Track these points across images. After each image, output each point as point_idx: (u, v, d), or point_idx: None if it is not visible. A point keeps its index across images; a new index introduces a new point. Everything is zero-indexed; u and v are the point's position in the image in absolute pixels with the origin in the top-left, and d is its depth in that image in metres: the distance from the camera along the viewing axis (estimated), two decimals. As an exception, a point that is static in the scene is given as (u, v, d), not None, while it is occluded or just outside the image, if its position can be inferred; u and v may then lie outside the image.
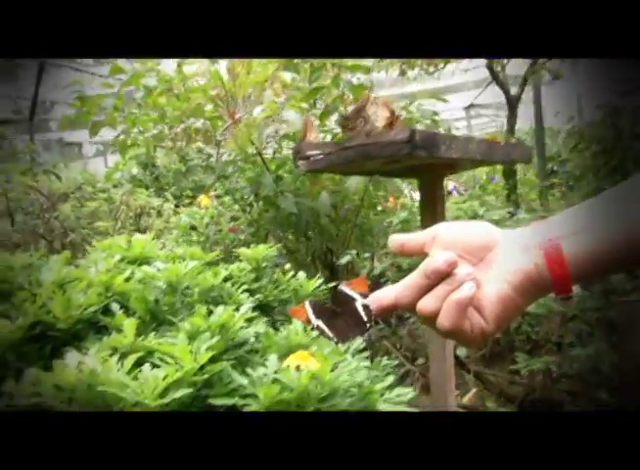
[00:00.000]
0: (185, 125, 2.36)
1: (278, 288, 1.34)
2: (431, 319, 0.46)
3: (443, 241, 0.49)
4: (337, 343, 0.57)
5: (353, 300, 0.55)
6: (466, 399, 1.88)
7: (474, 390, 1.92)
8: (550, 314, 1.93)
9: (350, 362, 0.89)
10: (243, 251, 1.39)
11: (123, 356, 0.84)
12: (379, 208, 2.81)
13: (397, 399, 0.95)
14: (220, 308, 0.95)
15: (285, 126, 2.42)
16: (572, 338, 1.91)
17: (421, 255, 0.51)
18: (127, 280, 1.09)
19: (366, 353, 1.04)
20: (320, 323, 0.56)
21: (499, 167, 3.30)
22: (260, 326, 1.05)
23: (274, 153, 2.42)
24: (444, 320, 0.45)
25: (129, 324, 0.90)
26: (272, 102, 1.85)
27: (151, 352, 0.89)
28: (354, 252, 2.04)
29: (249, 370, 0.86)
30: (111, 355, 0.84)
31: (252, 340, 0.97)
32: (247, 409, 0.79)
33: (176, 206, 3.58)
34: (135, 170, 3.87)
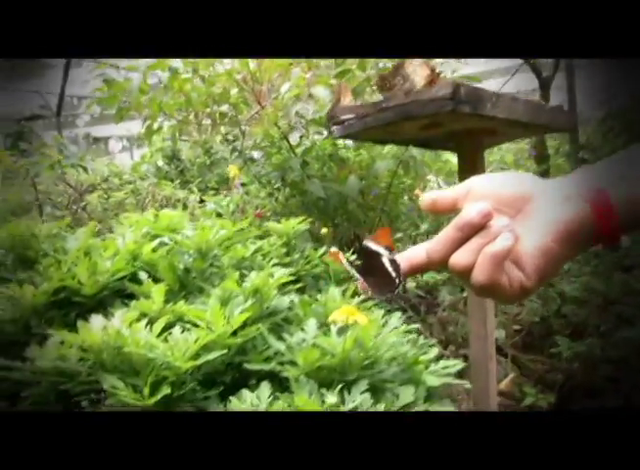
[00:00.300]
0: (210, 110, 2.30)
1: (310, 263, 1.27)
2: (465, 274, 0.41)
3: (478, 194, 0.44)
4: (372, 296, 0.51)
5: (379, 255, 0.50)
6: (502, 385, 1.78)
7: (511, 375, 1.82)
8: (591, 297, 1.82)
9: (397, 327, 0.81)
10: (273, 225, 1.32)
11: (151, 322, 0.78)
12: (405, 197, 2.73)
13: (444, 371, 0.87)
14: (253, 274, 0.88)
15: (312, 106, 2.35)
16: (614, 321, 1.81)
17: (455, 211, 0.46)
18: (155, 250, 1.03)
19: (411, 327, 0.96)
20: (354, 272, 0.51)
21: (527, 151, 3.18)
22: (294, 296, 0.98)
23: (301, 137, 2.35)
24: (479, 274, 0.40)
25: (158, 289, 0.84)
26: (300, 77, 1.78)
27: (181, 318, 0.82)
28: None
29: (285, 336, 0.79)
30: (138, 320, 0.78)
31: (287, 306, 0.90)
32: (285, 375, 0.72)
33: (201, 198, 3.54)
34: (161, 163, 3.84)
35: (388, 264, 0.49)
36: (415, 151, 2.23)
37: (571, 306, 1.83)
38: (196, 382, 0.70)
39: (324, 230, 0.88)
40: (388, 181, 2.43)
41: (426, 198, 0.47)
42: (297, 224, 1.31)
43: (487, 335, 1.29)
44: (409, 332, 0.93)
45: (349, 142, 2.53)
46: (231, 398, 0.67)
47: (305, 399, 0.65)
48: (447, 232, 0.42)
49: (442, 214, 0.50)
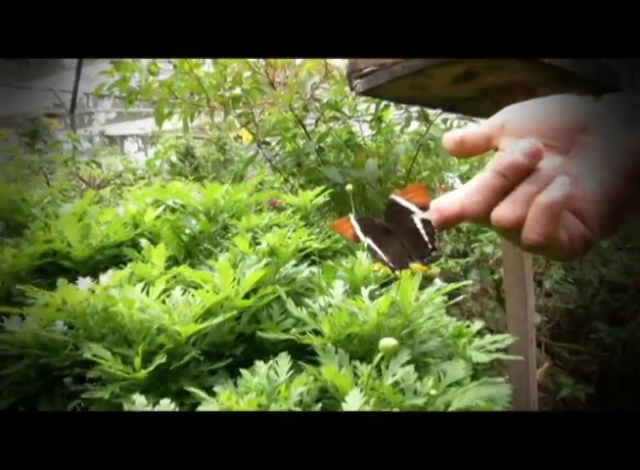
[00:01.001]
0: (222, 96, 2.18)
1: (330, 237, 1.13)
2: (513, 232, 0.32)
3: (517, 127, 0.34)
4: (393, 269, 0.39)
5: (410, 213, 0.39)
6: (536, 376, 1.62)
7: (546, 364, 1.67)
8: (630, 281, 1.66)
9: (440, 287, 0.67)
10: (289, 198, 1.18)
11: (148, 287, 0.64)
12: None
13: (492, 346, 0.73)
14: (269, 235, 0.75)
15: (327, 93, 2.23)
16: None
17: (487, 151, 0.37)
18: (160, 217, 0.89)
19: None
20: (370, 241, 0.40)
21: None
22: (315, 268, 0.84)
23: (316, 121, 2.22)
24: (533, 231, 0.31)
25: (158, 252, 0.71)
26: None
27: (184, 283, 0.69)
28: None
29: (308, 302, 0.65)
30: (133, 284, 0.64)
31: (307, 276, 0.76)
32: (308, 346, 0.58)
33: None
34: (174, 159, 3.74)
35: (419, 225, 0.38)
36: (436, 132, 2.09)
37: (608, 292, 1.67)
38: (199, 352, 0.56)
39: (349, 187, 0.75)
40: (407, 168, 2.30)
41: (450, 137, 0.36)
42: (314, 196, 1.18)
43: (527, 317, 1.14)
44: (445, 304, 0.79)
45: (367, 131, 2.40)
46: (242, 370, 0.53)
47: (335, 372, 0.51)
48: (487, 179, 0.32)
49: (471, 156, 0.38)
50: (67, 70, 3.83)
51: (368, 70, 0.96)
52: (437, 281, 0.68)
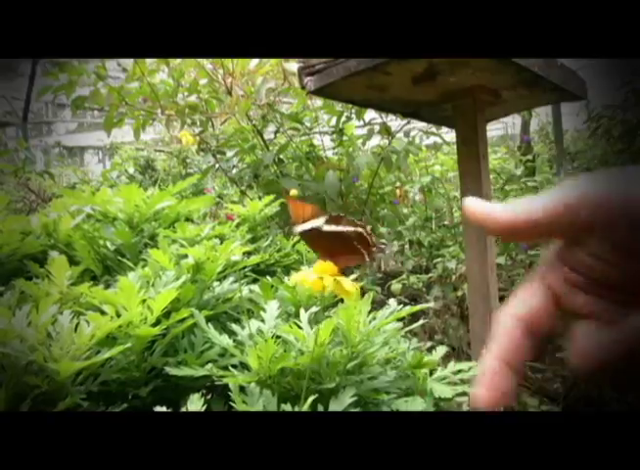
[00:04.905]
0: (177, 104, 2.05)
1: (280, 251, 1.01)
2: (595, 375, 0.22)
3: (605, 219, 0.21)
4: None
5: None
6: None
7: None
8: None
9: (395, 310, 0.55)
10: (236, 207, 1.06)
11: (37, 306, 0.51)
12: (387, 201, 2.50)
13: (456, 376, 0.62)
14: (197, 248, 0.62)
15: (288, 103, 2.14)
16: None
17: (547, 239, 0.24)
18: (80, 230, 0.76)
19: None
20: None
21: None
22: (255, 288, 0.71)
23: (276, 132, 2.11)
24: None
25: (58, 266, 0.57)
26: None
27: (90, 306, 0.56)
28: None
29: (234, 327, 0.52)
30: (18, 305, 0.51)
31: (244, 295, 0.64)
32: (230, 383, 0.45)
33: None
34: (132, 170, 3.57)
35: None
36: (398, 145, 2.01)
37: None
38: (85, 395, 0.43)
39: (293, 191, 0.64)
40: (368, 182, 2.21)
41: (489, 212, 0.23)
42: (264, 206, 1.06)
43: (492, 336, 1.04)
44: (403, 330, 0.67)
45: (327, 142, 2.31)
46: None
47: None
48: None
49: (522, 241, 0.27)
50: (20, 76, 3.63)
51: (320, 66, 0.86)
52: (392, 302, 0.56)
